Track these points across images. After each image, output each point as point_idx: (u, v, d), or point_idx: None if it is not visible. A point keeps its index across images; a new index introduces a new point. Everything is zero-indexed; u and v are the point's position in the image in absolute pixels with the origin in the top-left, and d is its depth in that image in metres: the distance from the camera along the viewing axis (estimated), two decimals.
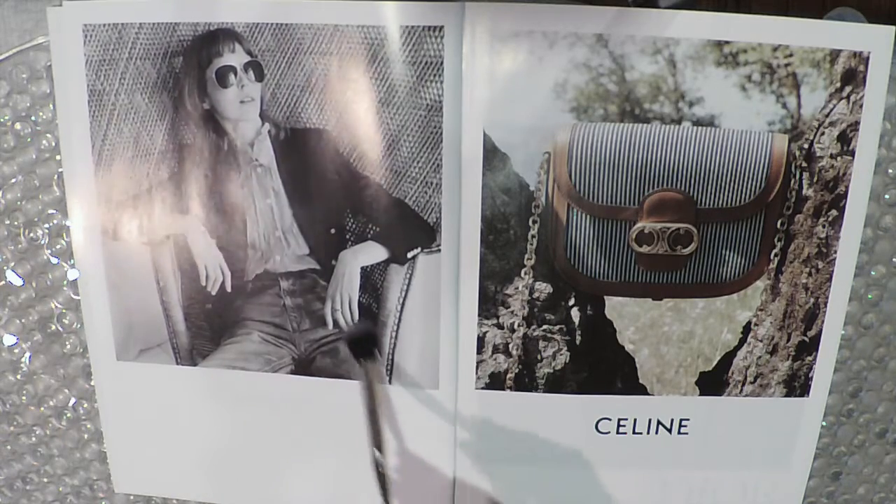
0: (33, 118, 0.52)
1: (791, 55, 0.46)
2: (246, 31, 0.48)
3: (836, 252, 0.50)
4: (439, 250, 0.50)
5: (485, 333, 0.51)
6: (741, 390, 0.52)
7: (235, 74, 0.48)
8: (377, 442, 0.48)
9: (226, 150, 0.50)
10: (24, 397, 0.57)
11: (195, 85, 0.49)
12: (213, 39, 0.48)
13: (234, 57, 0.48)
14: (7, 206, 0.53)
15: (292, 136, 0.49)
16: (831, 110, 0.47)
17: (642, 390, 0.52)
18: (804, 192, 0.49)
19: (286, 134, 0.49)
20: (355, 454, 0.53)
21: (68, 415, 0.57)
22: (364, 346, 0.51)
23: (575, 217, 0.49)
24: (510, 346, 0.51)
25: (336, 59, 0.47)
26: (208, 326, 0.53)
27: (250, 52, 0.48)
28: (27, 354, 0.56)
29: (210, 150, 0.50)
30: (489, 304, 0.50)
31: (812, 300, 0.51)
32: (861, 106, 0.47)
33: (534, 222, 0.49)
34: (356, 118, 0.48)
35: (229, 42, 0.48)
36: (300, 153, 0.49)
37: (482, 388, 0.52)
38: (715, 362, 0.52)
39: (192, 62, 0.48)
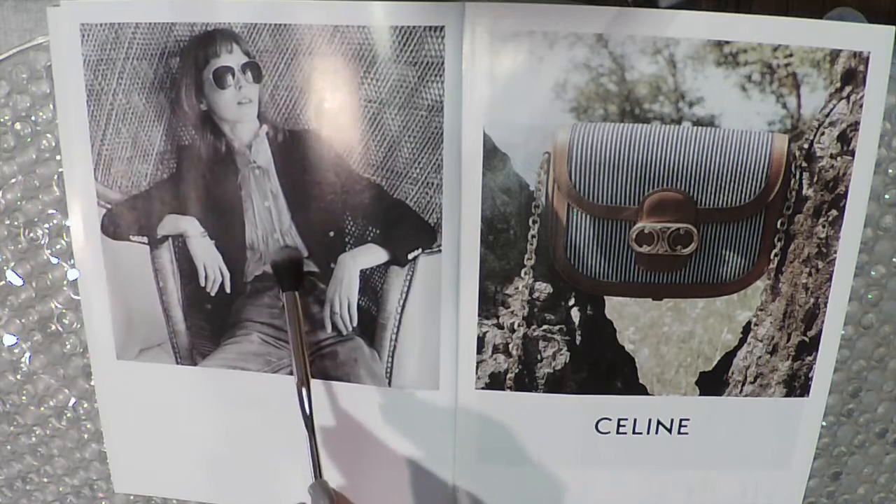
0: (33, 118, 0.52)
1: (791, 55, 0.46)
2: (244, 31, 0.47)
3: (836, 252, 0.50)
4: (440, 251, 0.49)
5: (485, 333, 0.51)
6: (741, 390, 0.52)
7: (233, 75, 0.48)
8: (304, 378, 0.48)
9: (224, 151, 0.50)
10: (24, 397, 0.57)
11: (192, 86, 0.49)
12: (210, 40, 0.48)
13: (232, 58, 0.48)
14: (7, 206, 0.53)
15: (290, 137, 0.49)
16: (831, 110, 0.47)
17: (642, 390, 0.52)
18: (804, 192, 0.48)
19: (284, 135, 0.49)
20: (355, 454, 0.53)
21: (68, 415, 0.57)
22: (289, 276, 0.50)
23: (575, 217, 0.49)
24: (510, 346, 0.51)
25: (335, 59, 0.47)
26: (208, 326, 0.53)
27: (248, 53, 0.48)
28: (27, 354, 0.56)
29: (208, 152, 0.50)
30: (489, 304, 0.50)
31: (812, 300, 0.50)
32: (861, 106, 0.47)
33: (534, 222, 0.49)
34: (355, 119, 0.48)
35: (227, 43, 0.48)
36: (298, 155, 0.49)
37: (482, 388, 0.52)
38: (715, 362, 0.52)
39: (189, 63, 0.48)
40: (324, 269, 0.51)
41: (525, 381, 0.52)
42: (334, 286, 0.51)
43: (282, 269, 0.51)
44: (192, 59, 0.48)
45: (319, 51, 0.47)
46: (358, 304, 0.51)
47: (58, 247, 0.54)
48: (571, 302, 0.51)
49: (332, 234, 0.50)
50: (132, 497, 0.59)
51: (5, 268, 0.54)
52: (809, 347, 0.51)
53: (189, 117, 0.49)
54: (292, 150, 0.49)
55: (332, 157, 0.49)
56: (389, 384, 0.52)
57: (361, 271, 0.50)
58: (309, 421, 0.48)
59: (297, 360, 0.49)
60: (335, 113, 0.48)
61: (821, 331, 0.51)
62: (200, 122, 0.49)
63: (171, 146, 0.50)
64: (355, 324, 0.51)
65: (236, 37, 0.48)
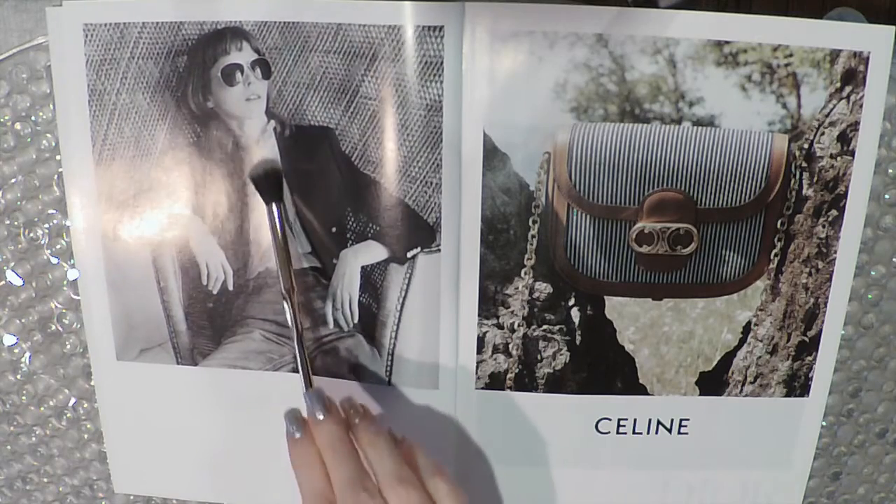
0: (33, 118, 0.52)
1: (791, 55, 0.46)
2: (254, 29, 0.48)
3: (836, 252, 0.50)
4: (439, 250, 0.50)
5: (485, 333, 0.51)
6: (741, 390, 0.52)
7: (242, 72, 0.48)
8: (289, 286, 0.48)
9: (230, 148, 0.50)
10: (24, 397, 0.57)
11: (199, 83, 0.49)
12: (220, 38, 0.48)
13: (242, 55, 0.48)
14: (7, 206, 0.53)
15: (297, 132, 0.49)
16: (831, 110, 0.47)
17: (642, 390, 0.52)
18: (804, 192, 0.49)
19: (291, 131, 0.49)
20: None
21: (68, 415, 0.57)
22: (272, 187, 0.50)
23: (575, 217, 0.49)
24: (510, 346, 0.51)
25: (339, 57, 0.47)
26: (209, 325, 0.53)
27: (258, 50, 0.48)
28: (27, 354, 0.56)
29: (213, 149, 0.50)
30: (489, 304, 0.50)
31: (812, 300, 0.51)
32: (861, 106, 0.47)
33: (534, 222, 0.49)
34: (358, 116, 0.48)
35: (237, 40, 0.48)
36: (304, 151, 0.49)
37: (482, 388, 0.52)
38: (715, 362, 0.52)
39: (197, 61, 0.48)
40: (326, 265, 0.51)
41: (525, 381, 0.52)
42: (336, 282, 0.51)
43: (263, 182, 0.50)
44: (200, 57, 0.48)
45: (324, 48, 0.47)
46: (359, 301, 0.51)
47: (58, 247, 0.54)
48: (571, 302, 0.51)
49: (334, 230, 0.50)
50: (132, 497, 0.59)
51: (5, 268, 0.54)
52: (809, 347, 0.51)
53: (195, 115, 0.49)
54: (298, 145, 0.49)
55: (335, 153, 0.49)
56: (389, 383, 0.52)
57: (362, 268, 0.51)
58: (295, 330, 0.48)
59: (282, 269, 0.48)
60: (339, 109, 0.48)
61: (821, 331, 0.51)
62: (207, 119, 0.49)
63: (175, 144, 0.50)
64: (356, 320, 0.51)
65: (247, 34, 0.48)
